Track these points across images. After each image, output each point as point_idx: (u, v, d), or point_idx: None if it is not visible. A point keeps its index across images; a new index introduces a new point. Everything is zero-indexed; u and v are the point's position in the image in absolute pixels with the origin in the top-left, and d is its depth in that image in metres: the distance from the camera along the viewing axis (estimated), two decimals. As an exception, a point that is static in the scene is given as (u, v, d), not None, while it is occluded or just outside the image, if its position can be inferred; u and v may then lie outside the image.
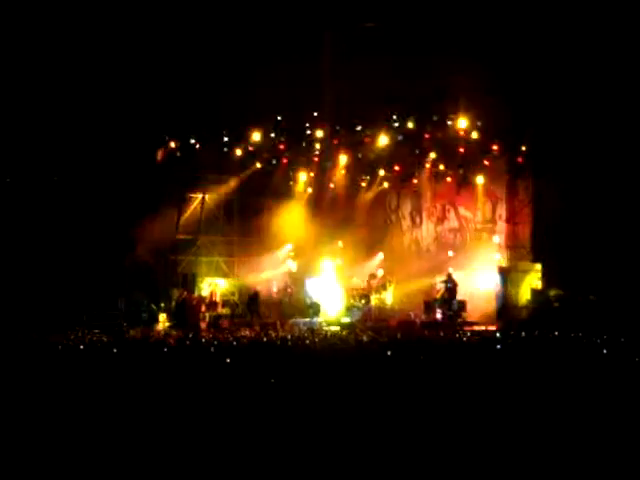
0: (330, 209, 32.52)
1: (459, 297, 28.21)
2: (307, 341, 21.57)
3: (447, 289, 28.25)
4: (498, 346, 18.49)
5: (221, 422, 9.76)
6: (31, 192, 27.93)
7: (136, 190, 28.25)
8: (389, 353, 16.43)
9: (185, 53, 26.35)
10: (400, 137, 27.56)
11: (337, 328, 27.67)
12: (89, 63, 26.21)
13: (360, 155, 29.92)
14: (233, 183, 31.19)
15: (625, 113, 24.57)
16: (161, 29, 25.67)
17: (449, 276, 28.31)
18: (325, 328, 27.94)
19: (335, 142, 28.76)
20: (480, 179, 29.96)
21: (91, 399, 11.08)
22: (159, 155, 28.61)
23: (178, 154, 28.83)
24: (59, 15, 25.24)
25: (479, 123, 26.42)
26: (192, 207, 30.59)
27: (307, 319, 29.20)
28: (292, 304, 30.64)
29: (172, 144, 28.37)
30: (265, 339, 22.29)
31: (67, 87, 26.46)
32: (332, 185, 32.44)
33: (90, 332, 23.55)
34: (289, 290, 30.79)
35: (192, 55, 26.44)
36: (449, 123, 26.66)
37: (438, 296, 28.59)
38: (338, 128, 28.01)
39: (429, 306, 28.85)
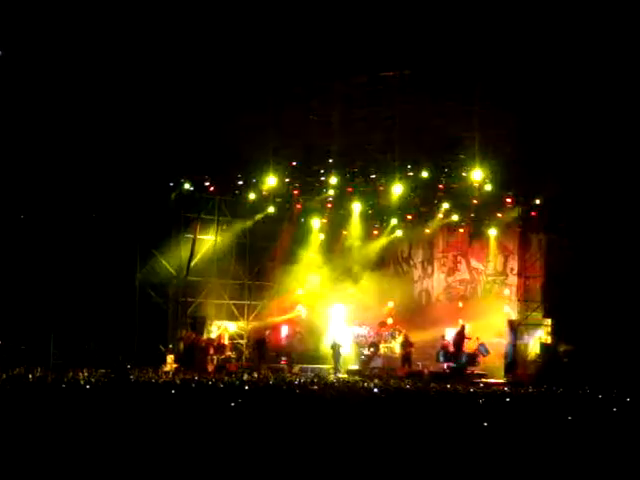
0: (342, 256, 32.56)
1: (469, 350, 28.06)
2: (315, 387, 21.46)
3: (454, 341, 28.13)
4: (507, 399, 18.38)
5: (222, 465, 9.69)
6: (39, 228, 28.02)
7: (147, 231, 28.37)
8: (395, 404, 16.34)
9: (201, 98, 26.57)
10: (414, 186, 27.59)
11: (345, 375, 27.57)
12: (107, 101, 26.45)
13: (373, 203, 30.02)
14: (245, 227, 31.29)
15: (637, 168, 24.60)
16: (179, 70, 25.94)
17: (462, 327, 28.17)
18: (332, 375, 27.86)
19: (349, 190, 28.83)
20: (492, 231, 29.99)
21: (92, 440, 11.00)
22: (172, 196, 28.84)
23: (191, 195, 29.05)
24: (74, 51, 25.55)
25: (493, 175, 26.38)
26: (204, 249, 30.58)
27: (315, 365, 29.10)
28: (301, 349, 30.50)
29: (186, 185, 28.50)
30: (271, 383, 22.21)
31: (86, 123, 26.71)
32: (344, 232, 32.51)
33: (93, 371, 23.53)
34: (298, 335, 30.69)
35: (209, 100, 26.66)
36: (463, 174, 26.66)
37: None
38: (351, 175, 28.01)
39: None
